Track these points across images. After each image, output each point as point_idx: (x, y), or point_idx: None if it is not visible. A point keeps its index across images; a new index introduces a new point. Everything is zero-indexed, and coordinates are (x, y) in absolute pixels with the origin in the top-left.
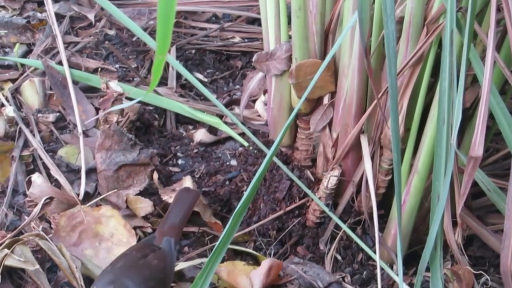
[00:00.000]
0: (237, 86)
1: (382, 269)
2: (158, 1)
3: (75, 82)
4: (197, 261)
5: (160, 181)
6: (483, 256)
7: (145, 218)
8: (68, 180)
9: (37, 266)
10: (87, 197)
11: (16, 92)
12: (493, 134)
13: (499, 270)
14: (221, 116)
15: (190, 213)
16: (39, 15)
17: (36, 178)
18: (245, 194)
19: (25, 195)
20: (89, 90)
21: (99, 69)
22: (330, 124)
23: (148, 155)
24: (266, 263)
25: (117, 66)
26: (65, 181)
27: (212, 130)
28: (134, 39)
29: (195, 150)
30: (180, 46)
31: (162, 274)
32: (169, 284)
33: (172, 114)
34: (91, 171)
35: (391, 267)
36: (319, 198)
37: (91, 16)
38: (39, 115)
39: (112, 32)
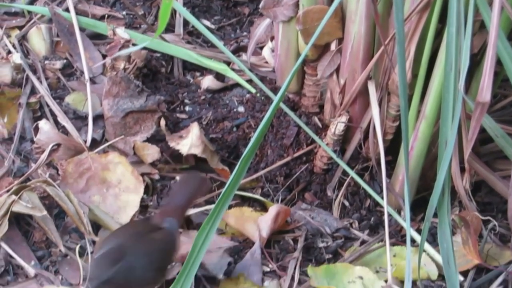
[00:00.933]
0: (244, 33)
1: (389, 215)
2: None
3: (82, 29)
4: (205, 207)
5: (168, 127)
6: (491, 202)
7: (153, 164)
8: (75, 127)
9: (45, 212)
10: (94, 143)
11: (23, 39)
12: (501, 80)
13: (507, 216)
14: (228, 63)
15: (195, 200)
16: None
17: (43, 124)
18: (252, 139)
19: (32, 141)
20: (96, 37)
21: (106, 16)
22: (337, 70)
23: (155, 102)
24: (273, 209)
25: (124, 13)
26: (72, 128)
27: (219, 76)
28: None
29: (203, 97)
30: None
31: (165, 248)
32: (171, 261)
33: (179, 61)
34: (98, 118)
35: (399, 213)
36: (327, 144)
37: None
38: (46, 62)
39: None
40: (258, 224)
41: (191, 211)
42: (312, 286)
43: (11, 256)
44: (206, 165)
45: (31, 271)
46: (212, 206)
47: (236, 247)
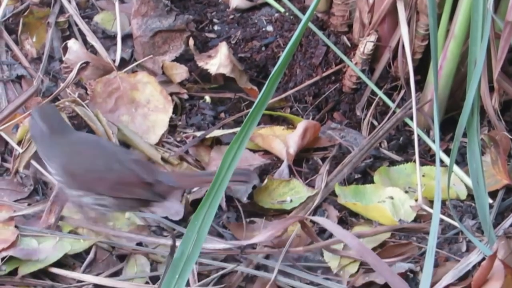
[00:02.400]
0: None
1: (418, 135)
2: None
3: None
4: (234, 129)
5: (196, 47)
6: None
7: (181, 84)
8: (104, 46)
9: None
10: (123, 63)
11: None
12: None
13: None
14: None
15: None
16: None
17: (72, 44)
18: (281, 58)
19: (61, 61)
20: None
21: None
22: None
23: (184, 21)
24: (301, 125)
25: None
26: (101, 47)
27: None
28: None
29: (231, 16)
30: None
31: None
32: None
33: None
34: (127, 37)
35: (428, 133)
36: (355, 63)
37: None
38: None
39: None
40: (286, 142)
41: (220, 132)
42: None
43: (41, 174)
44: (234, 85)
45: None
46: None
47: (265, 166)
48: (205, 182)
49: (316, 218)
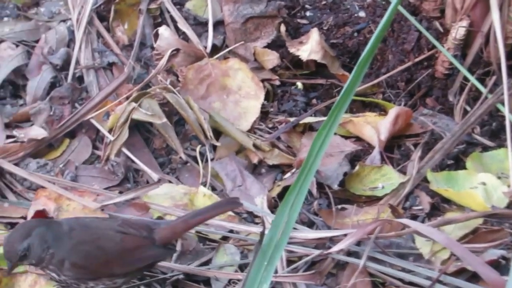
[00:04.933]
0: None
1: (510, 120)
2: None
3: None
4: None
5: (288, 33)
6: None
7: (273, 70)
8: (196, 33)
9: (165, 120)
10: (215, 49)
11: None
12: None
13: None
14: None
15: (209, 218)
16: None
17: (164, 30)
18: (369, 43)
19: (152, 48)
20: None
21: None
22: None
23: (276, 7)
24: (393, 111)
25: None
26: (193, 34)
27: None
28: None
29: (323, 2)
30: None
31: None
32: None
33: None
34: (219, 24)
35: None
36: (448, 49)
37: None
38: None
39: None
40: (378, 128)
41: (312, 119)
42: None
43: (132, 161)
44: (326, 71)
45: (154, 176)
46: None
47: (357, 152)
48: (199, 223)
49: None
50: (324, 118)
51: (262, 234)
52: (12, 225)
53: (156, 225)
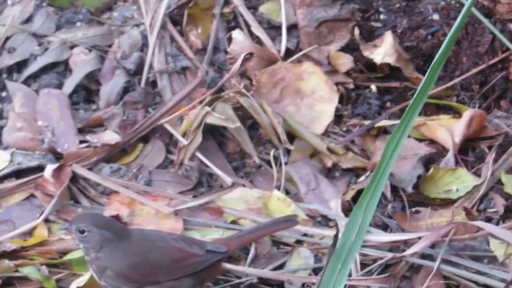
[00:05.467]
0: None
1: None
2: None
3: None
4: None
5: (362, 36)
6: None
7: (347, 73)
8: (269, 37)
9: (238, 124)
10: (288, 53)
11: None
12: None
13: None
14: None
15: (265, 235)
16: None
17: (237, 34)
18: (442, 46)
19: (226, 52)
20: None
21: None
22: None
23: (350, 10)
24: (467, 113)
25: None
26: (266, 38)
27: None
28: None
29: (397, 5)
30: None
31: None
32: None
33: None
34: (292, 28)
35: None
36: None
37: None
38: None
39: None
40: (452, 130)
41: (386, 122)
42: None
43: (206, 166)
44: (400, 74)
45: (228, 180)
46: None
47: (431, 155)
48: (253, 240)
49: (476, 223)
50: (398, 121)
51: (336, 237)
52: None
53: (211, 246)
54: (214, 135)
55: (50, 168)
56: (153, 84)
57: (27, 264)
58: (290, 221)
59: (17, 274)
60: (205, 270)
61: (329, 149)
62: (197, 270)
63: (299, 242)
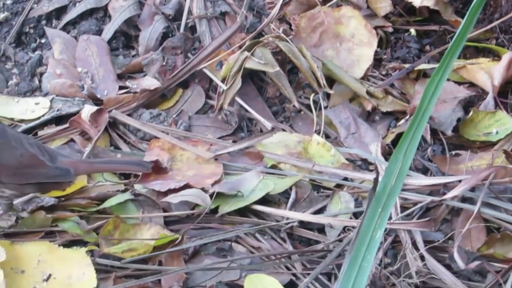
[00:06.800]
0: None
1: None
2: None
3: None
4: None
5: None
6: None
7: (386, 17)
8: None
9: (278, 68)
10: None
11: None
12: None
13: None
14: None
15: (114, 170)
16: None
17: None
18: None
19: None
20: None
21: None
22: None
23: None
24: (506, 56)
25: None
26: None
27: None
28: None
29: None
30: None
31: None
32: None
33: None
34: None
35: None
36: None
37: None
38: None
39: None
40: (491, 73)
41: (426, 66)
42: None
43: (246, 110)
44: (439, 17)
45: (268, 124)
46: None
47: (470, 98)
48: (102, 170)
49: None
50: (437, 64)
51: (376, 181)
52: (125, 175)
53: (63, 157)
54: (253, 80)
55: (88, 109)
56: (192, 29)
57: (65, 217)
58: (141, 165)
59: (56, 229)
60: (49, 184)
61: (368, 92)
62: (41, 182)
63: (339, 186)
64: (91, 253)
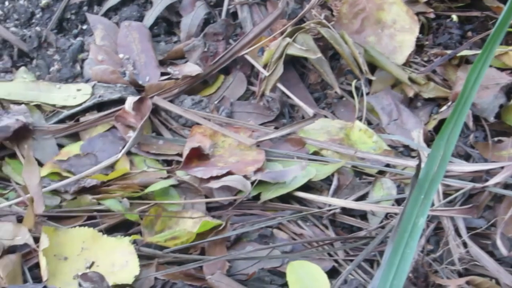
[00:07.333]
0: None
1: None
2: None
3: None
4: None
5: None
6: None
7: (427, 3)
8: None
9: (319, 55)
10: None
11: None
12: None
13: None
14: None
15: None
16: None
17: None
18: None
19: None
20: None
21: None
22: None
23: None
24: None
25: None
26: None
27: None
28: None
29: None
30: None
31: None
32: None
33: None
34: None
35: None
36: None
37: None
38: None
39: None
40: None
41: (468, 52)
42: None
43: (288, 97)
44: (481, 3)
45: (310, 111)
46: None
47: None
48: None
49: None
50: (480, 51)
51: (418, 167)
52: (168, 162)
53: None
54: (295, 66)
55: (130, 100)
56: (234, 15)
57: (108, 198)
58: None
59: (98, 207)
60: None
61: (410, 79)
62: None
63: (381, 173)
64: (134, 241)
